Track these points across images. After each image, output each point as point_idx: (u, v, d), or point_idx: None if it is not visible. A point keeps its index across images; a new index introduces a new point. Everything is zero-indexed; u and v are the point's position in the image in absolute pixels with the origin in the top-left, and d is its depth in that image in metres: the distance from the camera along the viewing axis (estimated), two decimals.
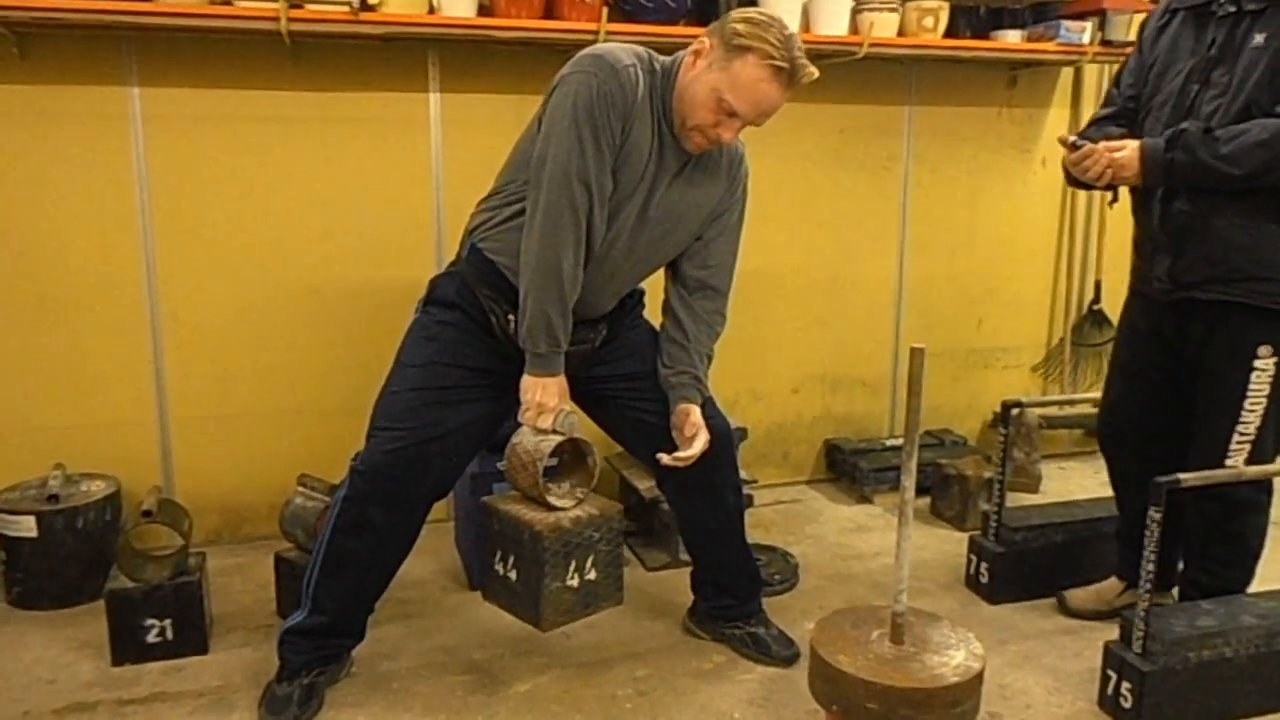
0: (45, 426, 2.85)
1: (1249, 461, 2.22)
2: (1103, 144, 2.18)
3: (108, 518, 2.69)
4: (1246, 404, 2.19)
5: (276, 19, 2.59)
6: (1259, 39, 2.06)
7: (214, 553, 2.81)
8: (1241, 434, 2.21)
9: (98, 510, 2.66)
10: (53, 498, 2.61)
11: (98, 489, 2.72)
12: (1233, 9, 2.12)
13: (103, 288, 2.84)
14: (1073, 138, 2.24)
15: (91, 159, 2.77)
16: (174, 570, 2.36)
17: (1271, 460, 2.27)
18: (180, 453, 2.99)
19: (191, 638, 2.37)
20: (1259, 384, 2.18)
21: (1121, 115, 2.34)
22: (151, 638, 2.33)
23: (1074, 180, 2.31)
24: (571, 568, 2.08)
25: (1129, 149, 2.15)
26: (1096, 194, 3.13)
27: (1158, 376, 2.39)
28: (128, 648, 2.33)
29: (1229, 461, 2.21)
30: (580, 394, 2.20)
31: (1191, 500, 2.27)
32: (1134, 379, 2.46)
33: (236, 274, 2.94)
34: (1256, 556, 2.36)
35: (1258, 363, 2.17)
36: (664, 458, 2.17)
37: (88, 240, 2.81)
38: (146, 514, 2.36)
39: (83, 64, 2.72)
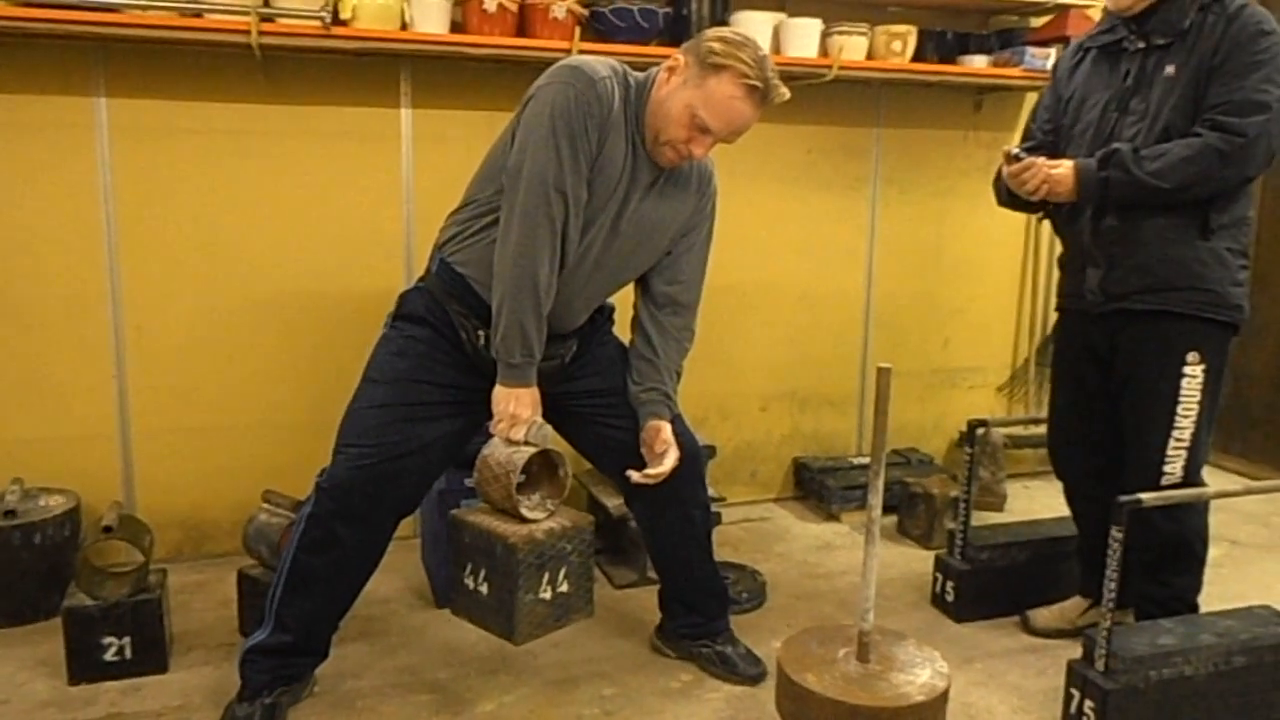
0: (3, 439, 2.80)
1: (1185, 467, 2.27)
2: (1040, 160, 2.26)
3: (66, 533, 2.64)
4: (1180, 410, 2.25)
5: (248, 32, 2.58)
6: (1170, 69, 2.19)
7: (175, 569, 2.76)
8: (1177, 440, 2.26)
9: (56, 525, 2.61)
10: (10, 513, 2.56)
11: (57, 503, 2.67)
12: (1142, 45, 2.25)
13: (65, 298, 2.80)
14: (1015, 150, 2.32)
15: (57, 170, 2.74)
16: (134, 587, 2.32)
17: (1204, 463, 2.32)
18: (142, 467, 2.94)
19: (151, 656, 2.33)
20: (1190, 390, 2.25)
21: (1042, 147, 2.43)
22: (110, 656, 2.29)
23: (1007, 198, 2.41)
24: (545, 579, 2.08)
25: (1065, 167, 2.24)
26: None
27: (1094, 391, 2.45)
28: (85, 666, 2.29)
29: (1166, 469, 2.27)
30: (549, 410, 2.19)
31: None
32: (1072, 396, 2.53)
33: (202, 287, 2.91)
34: (1203, 562, 2.40)
35: (1187, 369, 2.24)
36: (634, 475, 2.18)
37: (51, 250, 2.77)
38: (106, 529, 2.32)
39: (49, 74, 2.69)
